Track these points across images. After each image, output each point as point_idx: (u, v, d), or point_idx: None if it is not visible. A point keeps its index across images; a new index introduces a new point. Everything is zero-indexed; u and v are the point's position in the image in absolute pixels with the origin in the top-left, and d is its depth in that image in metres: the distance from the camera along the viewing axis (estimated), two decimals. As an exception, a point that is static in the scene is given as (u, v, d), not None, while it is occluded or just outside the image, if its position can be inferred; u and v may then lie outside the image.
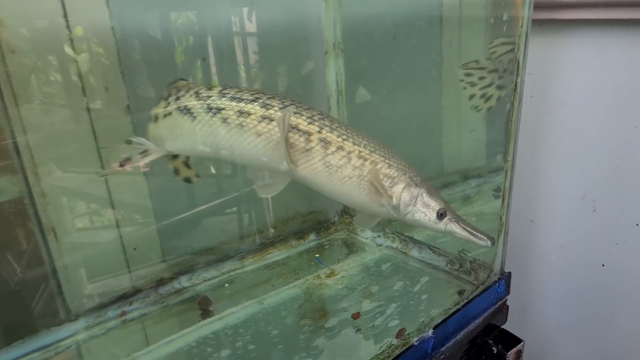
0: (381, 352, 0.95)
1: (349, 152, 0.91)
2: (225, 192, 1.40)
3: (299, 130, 0.90)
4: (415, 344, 0.97)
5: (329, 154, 0.90)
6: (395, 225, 1.43)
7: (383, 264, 1.31)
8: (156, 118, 1.00)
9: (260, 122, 0.90)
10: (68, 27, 1.07)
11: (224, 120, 0.91)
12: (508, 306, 1.23)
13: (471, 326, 1.11)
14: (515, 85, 1.04)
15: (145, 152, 1.00)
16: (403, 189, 0.93)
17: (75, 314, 1.15)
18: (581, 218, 1.54)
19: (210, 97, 0.90)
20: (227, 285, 1.28)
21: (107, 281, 1.23)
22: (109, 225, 1.24)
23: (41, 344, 1.09)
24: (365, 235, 1.48)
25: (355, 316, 1.11)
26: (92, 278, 1.20)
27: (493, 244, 0.95)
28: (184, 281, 1.26)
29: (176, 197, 1.34)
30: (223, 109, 0.90)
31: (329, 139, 0.90)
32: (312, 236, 1.45)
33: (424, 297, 1.16)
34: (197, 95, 0.92)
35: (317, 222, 1.53)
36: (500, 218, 1.15)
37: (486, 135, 1.77)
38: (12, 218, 1.15)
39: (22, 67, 1.06)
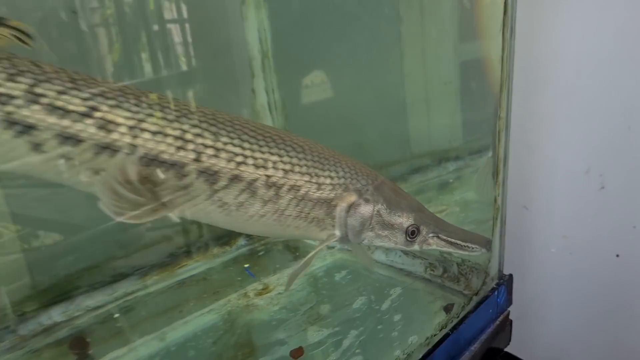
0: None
1: (252, 183, 0.61)
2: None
3: (163, 162, 0.56)
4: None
5: (220, 189, 0.60)
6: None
7: (337, 273, 0.95)
8: None
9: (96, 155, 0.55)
10: None
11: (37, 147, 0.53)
12: (511, 321, 0.89)
13: (466, 356, 0.76)
14: (504, 24, 0.81)
15: None
16: (348, 213, 0.66)
17: None
18: (586, 198, 1.28)
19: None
20: (117, 316, 0.89)
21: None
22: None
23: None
24: None
25: (296, 354, 0.74)
26: None
27: (489, 249, 0.73)
28: (56, 314, 0.86)
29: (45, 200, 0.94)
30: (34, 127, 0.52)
31: (215, 168, 0.59)
32: (241, 240, 1.08)
33: (396, 317, 0.82)
34: None
35: None
36: (495, 201, 0.83)
37: (462, 109, 1.46)
38: None
39: None
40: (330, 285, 0.92)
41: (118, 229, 1.08)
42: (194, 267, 1.03)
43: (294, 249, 1.08)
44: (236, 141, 0.60)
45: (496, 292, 0.85)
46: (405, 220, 0.68)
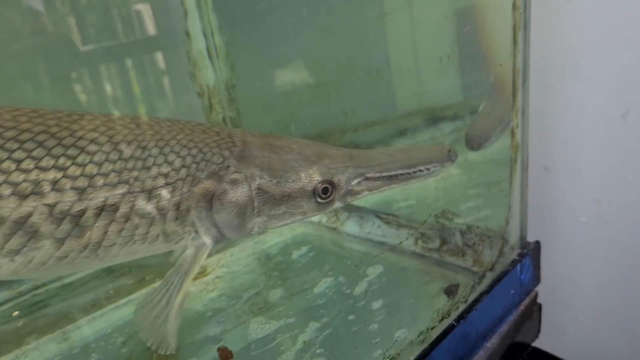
0: None
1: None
2: None
3: None
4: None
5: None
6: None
7: (295, 250, 0.72)
8: None
9: None
10: None
11: None
12: (540, 305, 0.66)
13: (479, 356, 0.53)
14: None
15: None
16: (212, 210, 0.47)
17: None
18: (624, 150, 1.06)
19: None
20: (16, 313, 0.73)
21: None
22: None
23: None
24: None
25: (223, 354, 0.52)
26: None
27: (454, 158, 0.57)
28: None
29: None
30: None
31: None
32: None
33: (376, 305, 0.59)
34: None
35: None
36: (513, 135, 0.60)
37: (459, 59, 1.23)
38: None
39: None
40: (285, 265, 0.69)
41: None
42: None
43: None
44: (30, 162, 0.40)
45: (519, 266, 0.62)
46: (306, 181, 0.50)
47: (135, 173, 0.43)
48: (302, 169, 0.51)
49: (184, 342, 0.59)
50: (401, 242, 0.69)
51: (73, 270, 0.48)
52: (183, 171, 0.46)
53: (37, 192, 0.40)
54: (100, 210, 0.42)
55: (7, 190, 0.39)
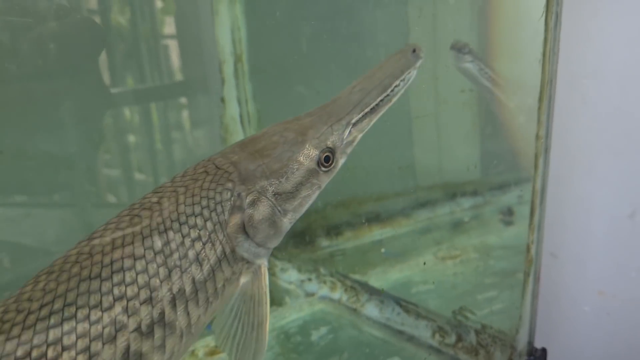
0: None
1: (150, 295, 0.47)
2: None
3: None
4: None
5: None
6: (346, 259, 0.89)
7: (314, 330, 0.76)
8: None
9: None
10: None
11: None
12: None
13: None
14: (546, 42, 0.75)
15: None
16: (246, 235, 0.52)
17: None
18: (630, 247, 1.13)
19: None
20: None
21: None
22: None
23: None
24: (288, 277, 0.92)
25: None
26: None
27: (422, 55, 0.58)
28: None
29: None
30: None
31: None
32: None
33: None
34: None
35: None
36: (528, 250, 0.69)
37: (481, 140, 1.32)
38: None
39: None
40: (304, 346, 0.73)
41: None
42: None
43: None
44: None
45: None
46: (308, 161, 0.54)
47: (175, 255, 0.47)
48: (298, 154, 0.54)
49: None
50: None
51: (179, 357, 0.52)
52: (209, 225, 0.50)
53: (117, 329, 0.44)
54: (173, 302, 0.46)
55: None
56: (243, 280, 0.52)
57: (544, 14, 0.73)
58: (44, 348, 0.41)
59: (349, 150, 0.57)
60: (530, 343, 0.70)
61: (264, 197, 0.52)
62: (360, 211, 0.99)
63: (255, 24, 1.00)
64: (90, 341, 0.42)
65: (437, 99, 1.21)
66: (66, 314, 0.42)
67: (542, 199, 0.74)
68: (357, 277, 0.84)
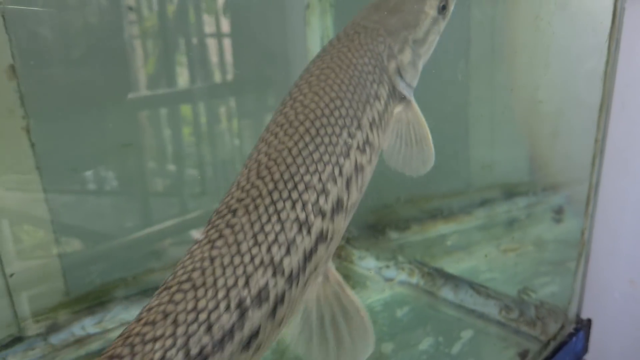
0: None
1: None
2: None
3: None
4: None
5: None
6: (414, 251, 1.04)
7: (398, 309, 0.93)
8: None
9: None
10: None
11: None
12: (588, 372, 0.86)
13: None
14: (608, 63, 0.88)
15: None
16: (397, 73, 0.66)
17: None
18: None
19: None
20: None
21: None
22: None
23: None
24: (367, 265, 1.08)
25: None
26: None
27: None
28: (89, 325, 0.85)
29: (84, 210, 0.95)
30: None
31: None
32: None
33: (467, 363, 0.78)
34: None
35: None
36: (582, 235, 0.81)
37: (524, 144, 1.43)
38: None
39: None
40: (390, 321, 0.90)
41: (155, 239, 1.07)
42: None
43: (345, 278, 1.05)
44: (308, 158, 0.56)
45: (574, 338, 0.83)
46: (432, 11, 0.68)
47: (364, 92, 0.61)
48: (424, 6, 0.68)
49: None
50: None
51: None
52: (378, 71, 0.63)
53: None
54: (371, 128, 0.60)
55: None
56: (397, 110, 0.65)
57: (608, 40, 0.86)
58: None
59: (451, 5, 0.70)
60: (578, 315, 0.86)
61: (407, 45, 0.65)
62: (427, 207, 1.14)
63: None
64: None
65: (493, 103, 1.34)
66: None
67: (596, 192, 0.88)
68: (432, 264, 1.01)
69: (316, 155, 0.54)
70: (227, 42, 1.10)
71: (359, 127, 0.59)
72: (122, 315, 0.93)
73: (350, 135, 0.57)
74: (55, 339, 0.88)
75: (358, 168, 0.58)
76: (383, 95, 0.63)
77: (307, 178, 0.52)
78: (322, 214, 0.53)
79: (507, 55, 1.33)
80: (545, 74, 1.28)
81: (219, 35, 1.07)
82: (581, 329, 0.87)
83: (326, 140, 0.55)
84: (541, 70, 1.23)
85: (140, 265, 1.00)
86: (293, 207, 0.51)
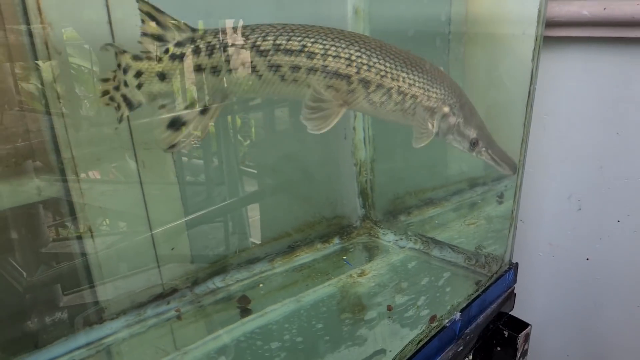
0: (421, 333, 1.22)
1: (389, 89, 0.98)
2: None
3: (340, 74, 0.95)
4: (447, 325, 1.26)
5: (370, 93, 0.98)
6: (417, 228, 1.70)
7: (409, 263, 1.61)
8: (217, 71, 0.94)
9: (308, 74, 0.95)
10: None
11: (282, 77, 0.95)
12: (515, 294, 1.55)
13: (488, 311, 1.43)
14: (529, 92, 1.36)
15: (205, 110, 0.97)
16: (441, 119, 1.07)
17: (114, 312, 1.31)
18: (568, 216, 1.89)
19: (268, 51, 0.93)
20: (261, 285, 1.49)
21: (142, 281, 1.40)
22: (142, 226, 1.41)
23: (84, 341, 1.24)
24: (388, 239, 1.78)
25: (390, 308, 1.38)
26: (127, 277, 1.36)
27: (515, 172, 1.18)
28: (218, 282, 1.46)
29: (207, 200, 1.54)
30: (280, 66, 0.93)
31: (368, 79, 0.96)
32: (336, 240, 1.72)
33: (447, 289, 1.46)
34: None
35: (340, 226, 1.82)
36: (512, 212, 1.47)
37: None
38: (49, 216, 1.30)
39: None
40: (405, 271, 1.58)
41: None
42: (305, 257, 1.66)
43: (375, 248, 1.73)
44: (381, 62, 0.95)
45: (507, 274, 1.52)
46: (472, 134, 1.07)
47: (428, 86, 1.00)
48: (473, 128, 1.07)
49: (365, 304, 1.42)
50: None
51: (391, 120, 1.06)
52: (442, 96, 1.00)
53: (396, 80, 0.98)
54: (412, 96, 1.00)
55: (389, 76, 0.96)
56: (427, 127, 1.09)
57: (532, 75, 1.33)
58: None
59: (476, 153, 1.13)
60: (510, 260, 1.55)
61: (456, 118, 1.09)
62: (422, 197, 1.80)
63: None
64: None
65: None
66: None
67: (520, 186, 1.50)
68: (428, 235, 1.68)
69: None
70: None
71: (410, 85, 0.99)
72: (237, 276, 1.55)
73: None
74: (197, 290, 1.49)
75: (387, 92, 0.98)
76: (429, 102, 1.03)
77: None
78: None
79: (474, 90, 1.97)
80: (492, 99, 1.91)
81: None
82: (512, 268, 1.55)
83: None
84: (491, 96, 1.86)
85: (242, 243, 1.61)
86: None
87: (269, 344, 1.28)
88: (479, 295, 1.39)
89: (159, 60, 0.83)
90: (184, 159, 1.49)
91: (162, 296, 1.41)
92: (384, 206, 1.83)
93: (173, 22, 0.88)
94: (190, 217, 1.49)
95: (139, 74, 0.87)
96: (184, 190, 1.46)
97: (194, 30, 0.91)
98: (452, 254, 1.63)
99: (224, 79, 0.92)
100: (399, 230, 1.76)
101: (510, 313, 1.56)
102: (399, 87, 0.99)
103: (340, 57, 0.94)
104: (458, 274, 1.57)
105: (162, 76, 0.87)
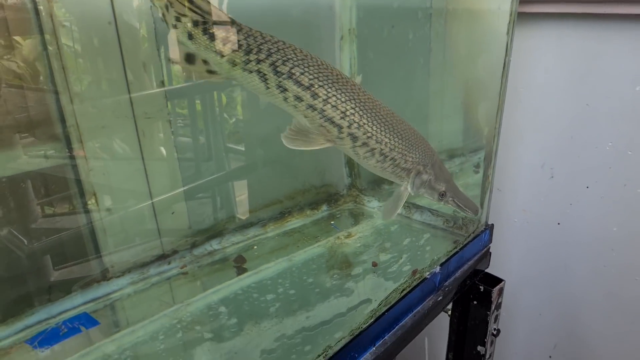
0: (403, 283, 1.39)
1: (372, 149, 1.16)
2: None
3: (333, 122, 1.11)
4: (428, 277, 1.43)
5: (356, 146, 1.16)
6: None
7: (392, 227, 1.79)
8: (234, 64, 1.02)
9: (307, 109, 1.09)
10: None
11: (285, 98, 1.08)
12: (490, 253, 1.73)
13: (465, 267, 1.61)
14: (504, 63, 1.49)
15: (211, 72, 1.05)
16: (415, 177, 1.27)
17: (119, 271, 1.46)
18: (540, 184, 2.06)
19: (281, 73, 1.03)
20: (255, 247, 1.64)
21: (144, 244, 1.54)
22: (143, 192, 1.55)
23: (93, 296, 1.39)
24: (372, 205, 1.94)
25: (374, 264, 1.55)
26: (130, 240, 1.50)
27: (476, 214, 1.38)
28: (215, 244, 1.61)
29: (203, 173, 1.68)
30: (287, 90, 1.06)
31: (356, 135, 1.13)
32: (324, 207, 1.87)
33: (427, 248, 1.64)
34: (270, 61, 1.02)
35: (328, 194, 1.97)
36: (488, 177, 1.64)
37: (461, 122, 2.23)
38: (55, 182, 1.43)
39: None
40: (388, 233, 1.75)
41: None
42: (295, 222, 1.81)
43: (361, 214, 1.89)
44: (370, 124, 1.11)
45: (484, 234, 1.69)
46: (440, 188, 1.28)
47: (406, 151, 1.20)
48: (442, 182, 1.28)
49: (352, 262, 1.59)
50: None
51: (372, 170, 1.25)
52: (417, 159, 1.20)
53: (380, 143, 1.16)
54: (392, 158, 1.21)
55: (374, 138, 1.14)
56: (402, 183, 1.29)
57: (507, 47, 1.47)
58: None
59: (444, 202, 1.35)
60: (486, 222, 1.73)
61: (428, 176, 1.29)
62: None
63: (362, 56, 1.87)
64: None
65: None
66: None
67: (495, 156, 1.70)
68: (409, 201, 1.85)
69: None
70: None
71: (392, 147, 1.18)
72: (232, 239, 1.70)
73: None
74: (196, 251, 1.63)
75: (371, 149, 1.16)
76: (405, 163, 1.23)
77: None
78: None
79: (455, 63, 2.11)
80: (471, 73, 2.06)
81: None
82: (487, 229, 1.74)
83: None
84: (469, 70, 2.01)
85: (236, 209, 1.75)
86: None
87: (265, 295, 1.44)
88: (457, 252, 1.57)
89: (196, 24, 0.97)
90: (181, 136, 1.62)
91: (163, 257, 1.55)
92: (368, 176, 1.98)
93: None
94: (189, 186, 1.63)
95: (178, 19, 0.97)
96: (182, 163, 1.60)
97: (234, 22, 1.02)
98: (432, 217, 1.81)
99: (236, 72, 1.04)
100: (383, 197, 1.92)
101: (486, 271, 1.74)
102: (381, 149, 1.17)
103: (338, 109, 1.08)
104: (437, 235, 1.74)
105: (190, 36, 0.98)
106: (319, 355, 1.13)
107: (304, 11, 1.74)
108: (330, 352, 1.14)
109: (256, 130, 1.78)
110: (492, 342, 1.74)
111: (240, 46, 1.00)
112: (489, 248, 1.75)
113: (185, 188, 1.62)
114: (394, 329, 1.34)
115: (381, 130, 1.15)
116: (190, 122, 1.63)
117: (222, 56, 1.00)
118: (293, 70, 1.03)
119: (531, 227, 2.17)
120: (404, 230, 1.77)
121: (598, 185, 1.91)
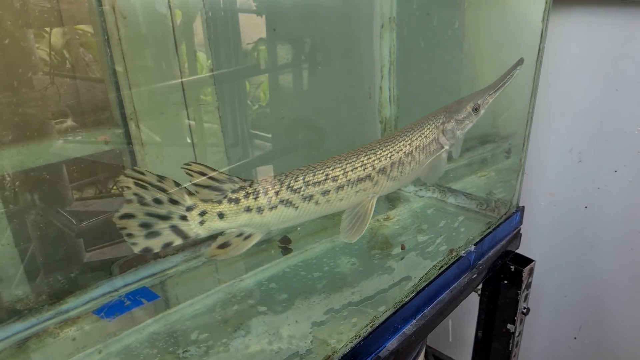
0: (442, 259, 1.57)
1: (401, 161, 1.34)
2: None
3: (361, 179, 1.27)
4: (463, 255, 1.60)
5: (391, 175, 1.33)
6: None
7: (428, 210, 1.97)
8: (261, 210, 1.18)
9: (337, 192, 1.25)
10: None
11: (316, 202, 1.23)
12: (521, 234, 1.91)
13: (498, 246, 1.78)
14: (539, 50, 1.61)
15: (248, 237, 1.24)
16: (445, 136, 1.38)
17: (174, 248, 1.64)
18: (568, 168, 2.18)
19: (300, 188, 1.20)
20: (298, 229, 1.82)
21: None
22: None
23: (150, 272, 1.57)
24: (408, 190, 2.14)
25: (403, 247, 1.72)
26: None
27: (522, 62, 1.40)
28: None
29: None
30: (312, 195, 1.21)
31: (383, 167, 1.30)
32: None
33: (462, 229, 1.81)
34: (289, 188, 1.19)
35: None
36: (520, 160, 1.80)
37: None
38: (113, 165, 1.60)
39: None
40: (424, 215, 1.93)
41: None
42: None
43: (396, 199, 2.08)
44: (382, 149, 1.28)
45: (515, 215, 1.87)
46: (470, 106, 1.36)
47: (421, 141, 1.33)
48: (466, 104, 1.36)
49: (391, 242, 1.76)
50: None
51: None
52: (435, 130, 1.33)
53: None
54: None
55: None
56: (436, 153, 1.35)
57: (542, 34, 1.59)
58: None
59: (483, 109, 1.36)
60: (517, 204, 1.90)
61: (452, 120, 1.33)
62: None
63: (401, 44, 2.04)
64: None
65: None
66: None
67: (528, 140, 1.84)
68: (445, 185, 2.02)
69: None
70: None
71: (410, 145, 1.29)
72: None
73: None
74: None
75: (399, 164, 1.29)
76: (430, 138, 1.33)
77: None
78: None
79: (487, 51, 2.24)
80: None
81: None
82: (518, 211, 1.90)
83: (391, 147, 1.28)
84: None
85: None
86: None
87: (312, 274, 1.62)
88: (490, 232, 1.74)
89: (219, 202, 1.17)
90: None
91: (213, 237, 1.73)
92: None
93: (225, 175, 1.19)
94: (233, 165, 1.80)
95: (203, 213, 1.16)
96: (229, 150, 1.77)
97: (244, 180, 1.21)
98: (466, 200, 1.98)
99: (267, 215, 1.20)
100: (418, 181, 2.10)
101: (516, 252, 1.92)
102: (404, 152, 1.31)
103: (357, 168, 1.24)
104: (471, 218, 1.92)
105: (221, 215, 1.18)
106: (366, 326, 1.31)
107: (345, 3, 1.89)
108: (377, 322, 1.32)
109: (296, 116, 1.95)
110: (521, 320, 1.92)
111: (257, 192, 1.18)
112: (520, 229, 1.92)
113: (231, 169, 1.79)
114: (433, 303, 1.52)
115: (393, 143, 1.32)
116: (237, 108, 1.79)
117: (261, 210, 1.19)
118: (307, 179, 1.20)
119: (558, 210, 2.30)
120: (440, 213, 1.95)
121: (627, 170, 2.02)
